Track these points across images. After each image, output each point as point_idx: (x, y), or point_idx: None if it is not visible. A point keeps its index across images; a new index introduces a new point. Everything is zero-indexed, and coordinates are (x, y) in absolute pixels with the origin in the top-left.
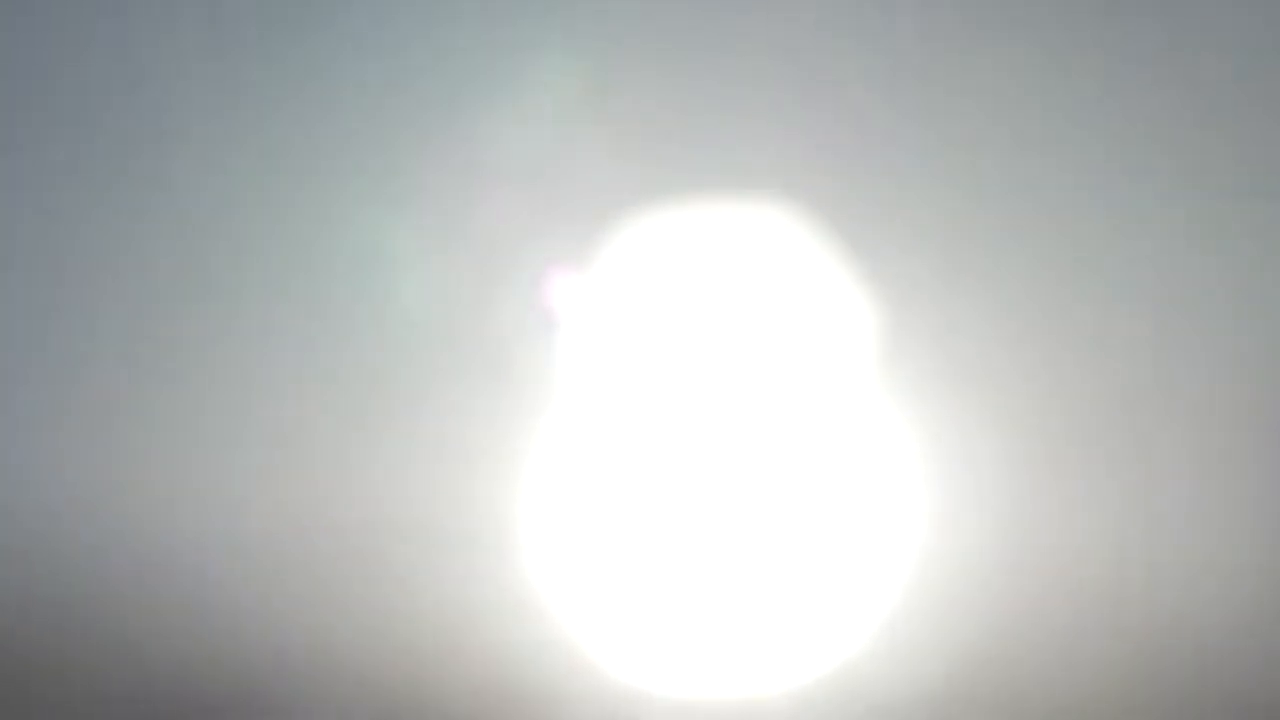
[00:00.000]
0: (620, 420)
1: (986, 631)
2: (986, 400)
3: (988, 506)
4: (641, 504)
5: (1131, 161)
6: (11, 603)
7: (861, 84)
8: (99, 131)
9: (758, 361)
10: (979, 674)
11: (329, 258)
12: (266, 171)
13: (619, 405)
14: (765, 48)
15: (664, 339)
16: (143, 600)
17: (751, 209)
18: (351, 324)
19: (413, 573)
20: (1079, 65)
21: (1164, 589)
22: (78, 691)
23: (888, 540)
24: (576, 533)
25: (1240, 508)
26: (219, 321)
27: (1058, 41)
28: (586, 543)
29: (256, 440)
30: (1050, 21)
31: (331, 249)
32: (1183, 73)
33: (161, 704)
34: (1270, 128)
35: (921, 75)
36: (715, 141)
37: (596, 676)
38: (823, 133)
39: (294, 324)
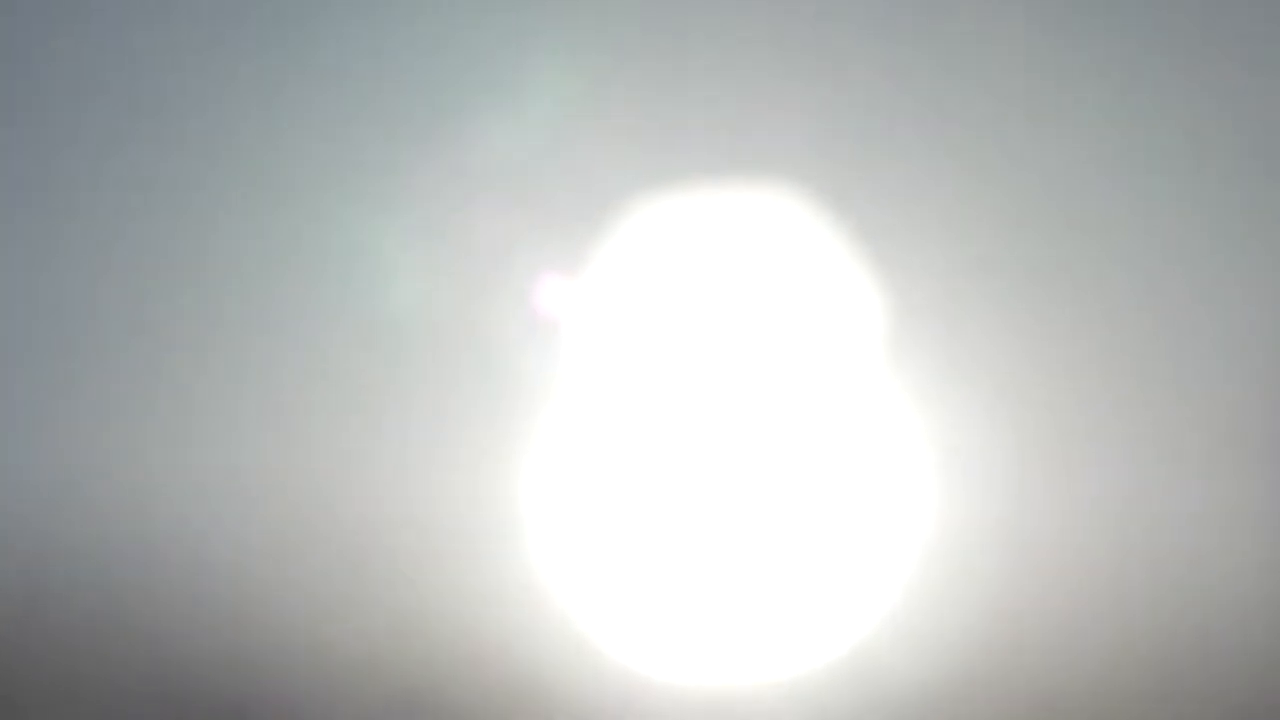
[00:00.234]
0: (625, 407)
1: (993, 619)
2: (994, 387)
3: (995, 494)
4: (647, 492)
5: (1144, 149)
6: (8, 591)
7: (869, 70)
8: (102, 133)
9: (764, 347)
10: (985, 661)
11: (324, 257)
12: (264, 173)
13: (624, 391)
14: (768, 35)
15: (669, 327)
16: (142, 592)
17: (756, 200)
18: (349, 323)
19: (411, 566)
20: (1090, 52)
21: (1171, 576)
22: (77, 682)
23: (894, 527)
24: (579, 522)
25: (1248, 493)
26: (219, 321)
27: (1070, 27)
28: (589, 532)
29: (255, 440)
30: (1062, 6)
31: (328, 249)
32: (1197, 58)
33: (163, 694)
34: None
35: (930, 61)
36: (717, 132)
37: (601, 665)
38: (830, 119)
39: (291, 323)
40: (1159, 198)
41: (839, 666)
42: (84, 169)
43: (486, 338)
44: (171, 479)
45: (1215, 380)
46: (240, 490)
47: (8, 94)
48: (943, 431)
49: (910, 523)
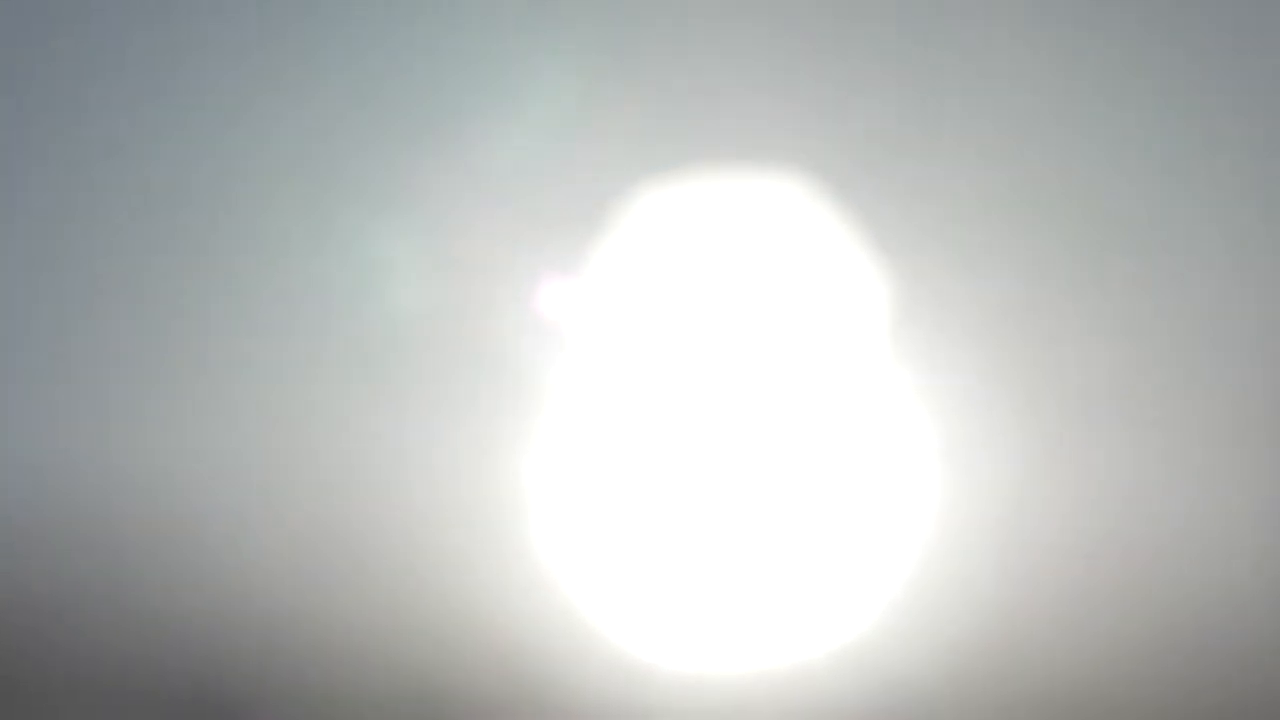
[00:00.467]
0: (628, 396)
1: (995, 607)
2: (1000, 373)
3: (1002, 479)
4: (652, 480)
5: (1150, 133)
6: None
7: (872, 55)
8: (102, 134)
9: (770, 333)
10: (987, 650)
11: (325, 256)
12: (264, 174)
13: (627, 380)
14: (768, 31)
15: (672, 321)
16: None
17: (756, 200)
18: (350, 322)
19: (412, 566)
20: (1100, 37)
21: (1178, 561)
22: (76, 674)
23: (900, 513)
24: (583, 508)
25: (1255, 478)
26: (219, 321)
27: (1082, 13)
28: (593, 519)
29: (256, 442)
30: None
31: (329, 248)
32: (1203, 46)
33: (161, 688)
34: None
35: (937, 50)
36: (722, 120)
37: (603, 649)
38: (835, 111)
39: (292, 323)
40: (1170, 183)
41: (847, 651)
42: (90, 171)
43: (488, 336)
44: (172, 480)
45: (1225, 364)
46: (241, 491)
47: (8, 94)
48: (946, 422)
49: (913, 511)
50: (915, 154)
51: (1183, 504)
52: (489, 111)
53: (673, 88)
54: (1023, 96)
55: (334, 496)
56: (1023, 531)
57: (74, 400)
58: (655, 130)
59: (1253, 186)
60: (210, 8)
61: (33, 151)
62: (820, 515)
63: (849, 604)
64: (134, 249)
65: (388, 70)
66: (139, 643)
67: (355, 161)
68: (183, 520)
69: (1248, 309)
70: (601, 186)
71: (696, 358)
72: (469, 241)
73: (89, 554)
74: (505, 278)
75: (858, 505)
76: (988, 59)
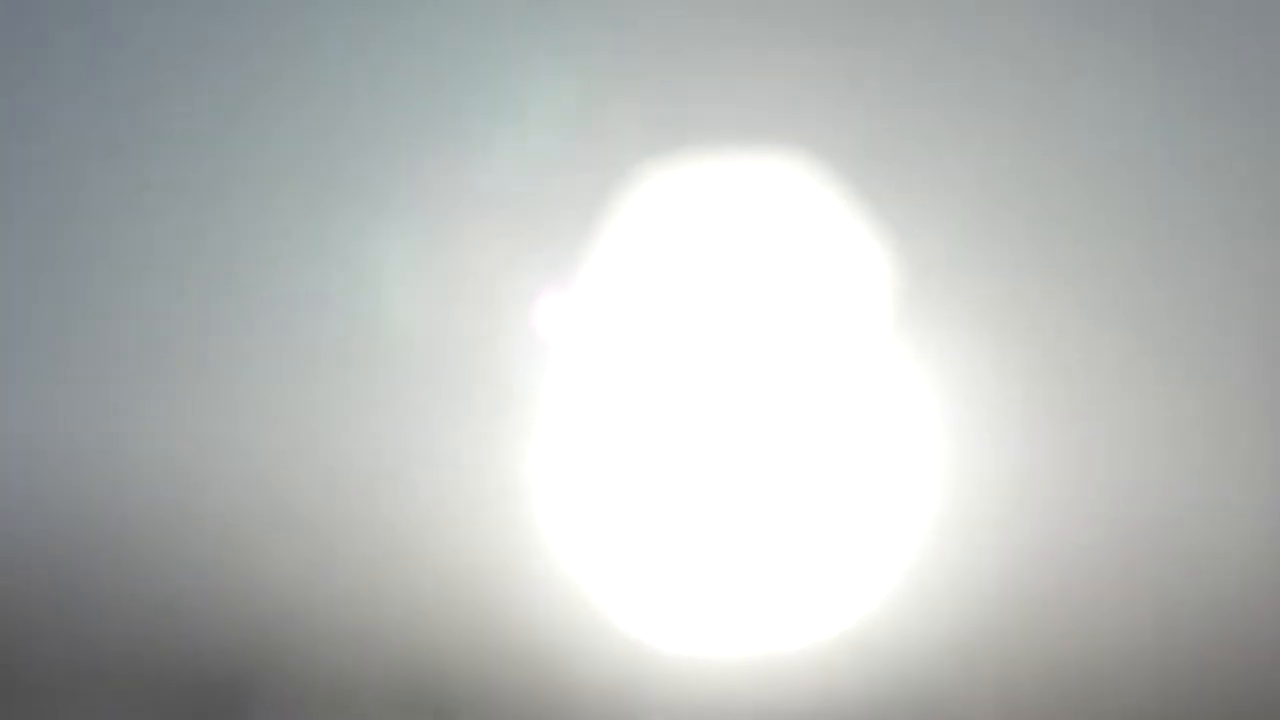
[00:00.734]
0: (638, 374)
1: (1005, 582)
2: (1005, 361)
3: (1005, 466)
4: (655, 468)
5: (1158, 124)
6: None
7: (879, 47)
8: (106, 134)
9: (776, 323)
10: (999, 624)
11: (324, 265)
12: (265, 181)
13: (631, 363)
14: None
15: (680, 307)
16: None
17: (762, 188)
18: (347, 324)
19: (410, 566)
20: (1104, 28)
21: (1185, 536)
22: (75, 660)
23: (904, 500)
24: (591, 491)
25: (1264, 451)
26: (219, 329)
27: (1083, 4)
28: (601, 501)
29: (257, 448)
30: None
31: (328, 257)
32: (1210, 39)
33: (159, 676)
34: None
35: (940, 35)
36: (724, 120)
37: (607, 632)
38: (842, 98)
39: (291, 333)
40: (1178, 162)
41: (854, 631)
42: (85, 170)
43: (487, 335)
44: (172, 480)
45: (1232, 341)
46: (241, 490)
47: (8, 94)
48: (950, 409)
49: (917, 498)
50: (922, 145)
51: (1186, 491)
52: (489, 112)
53: (673, 88)
54: (1030, 86)
55: (334, 495)
56: (1025, 518)
57: (74, 399)
58: (655, 130)
59: (1261, 178)
60: (210, 8)
61: (33, 151)
62: (826, 503)
63: (854, 591)
64: (134, 249)
65: (388, 71)
66: (139, 642)
67: (355, 162)
68: (183, 520)
69: (1254, 299)
70: (601, 187)
71: (701, 351)
72: (468, 241)
73: (89, 554)
74: (505, 278)
75: (863, 493)
76: (994, 49)
